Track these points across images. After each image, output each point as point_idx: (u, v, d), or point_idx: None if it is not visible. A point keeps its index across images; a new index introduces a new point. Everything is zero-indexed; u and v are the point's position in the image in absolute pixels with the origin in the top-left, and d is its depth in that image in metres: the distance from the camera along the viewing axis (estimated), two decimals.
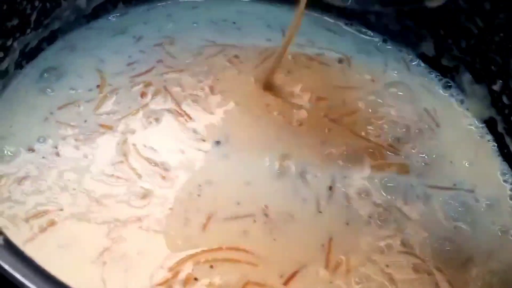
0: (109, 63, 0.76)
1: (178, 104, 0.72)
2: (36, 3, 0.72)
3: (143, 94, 0.73)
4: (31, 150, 0.66)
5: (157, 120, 0.71)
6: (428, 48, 0.82)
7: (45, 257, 0.49)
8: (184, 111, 0.72)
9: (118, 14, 0.83)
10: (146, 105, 0.72)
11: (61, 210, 0.61)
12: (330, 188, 0.67)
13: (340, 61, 0.81)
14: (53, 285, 0.43)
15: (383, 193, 0.68)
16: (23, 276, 0.43)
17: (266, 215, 0.64)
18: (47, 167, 0.65)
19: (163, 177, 0.66)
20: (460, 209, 0.68)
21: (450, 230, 0.66)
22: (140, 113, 0.71)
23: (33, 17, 0.73)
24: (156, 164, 0.66)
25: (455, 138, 0.75)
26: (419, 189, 0.69)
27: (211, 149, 0.69)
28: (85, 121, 0.69)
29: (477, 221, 0.67)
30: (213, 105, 0.73)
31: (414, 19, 0.81)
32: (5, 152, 0.65)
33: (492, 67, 0.74)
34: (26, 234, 0.59)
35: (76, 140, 0.68)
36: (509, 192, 0.71)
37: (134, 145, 0.68)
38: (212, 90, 0.75)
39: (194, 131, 0.70)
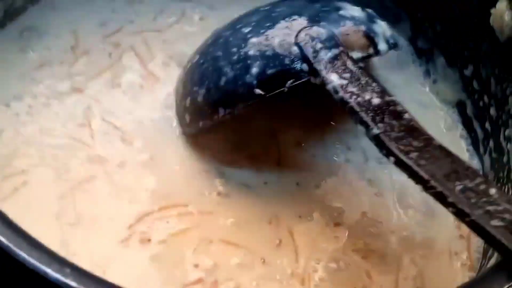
0: (84, 23, 0.77)
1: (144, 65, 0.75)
2: None
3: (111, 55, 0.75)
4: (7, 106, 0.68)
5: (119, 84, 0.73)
6: (405, 29, 0.83)
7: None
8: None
9: None
10: (112, 65, 0.74)
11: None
12: None
13: None
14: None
15: None
16: None
17: None
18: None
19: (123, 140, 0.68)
20: None
21: None
22: (108, 74, 0.73)
23: None
24: (116, 128, 0.69)
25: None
26: None
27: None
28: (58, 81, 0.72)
29: None
30: None
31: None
32: None
33: (465, 52, 0.76)
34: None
35: (47, 99, 0.70)
36: None
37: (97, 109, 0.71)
38: None
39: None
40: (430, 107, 0.80)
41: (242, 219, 0.66)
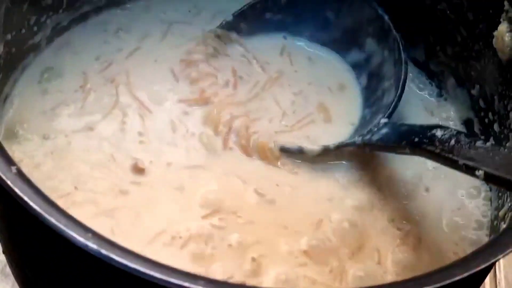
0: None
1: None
2: None
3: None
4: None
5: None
6: (420, 54, 0.89)
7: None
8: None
9: None
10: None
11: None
12: None
13: None
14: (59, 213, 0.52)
15: None
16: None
17: None
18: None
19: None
20: None
21: None
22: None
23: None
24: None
25: None
26: None
27: None
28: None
29: None
30: None
31: (408, 27, 0.88)
32: None
33: (472, 72, 0.82)
34: None
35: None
36: None
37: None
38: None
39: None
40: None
41: None
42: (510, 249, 0.53)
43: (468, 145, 0.64)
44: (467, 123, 0.84)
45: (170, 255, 0.66)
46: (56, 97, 0.79)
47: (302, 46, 0.90)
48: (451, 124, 0.85)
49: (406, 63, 0.81)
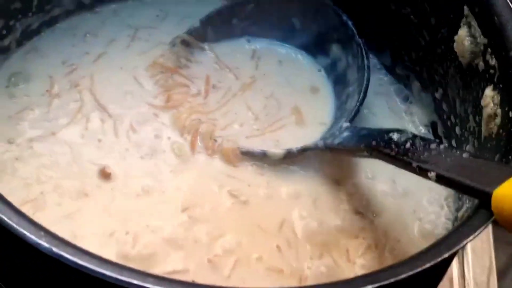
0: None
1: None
2: None
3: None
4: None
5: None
6: (386, 58, 0.91)
7: None
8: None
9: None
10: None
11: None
12: None
13: None
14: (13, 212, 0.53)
15: None
16: None
17: None
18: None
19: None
20: None
21: None
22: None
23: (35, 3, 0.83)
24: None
25: None
26: None
27: None
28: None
29: None
30: None
31: (374, 32, 0.90)
32: None
33: (436, 76, 0.83)
34: None
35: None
36: None
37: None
38: None
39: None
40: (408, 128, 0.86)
41: None
42: (457, 247, 0.54)
43: (422, 147, 0.65)
44: (432, 125, 0.85)
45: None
46: (22, 101, 0.80)
47: (272, 49, 0.91)
48: (419, 127, 0.86)
49: (368, 68, 0.83)
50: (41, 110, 0.79)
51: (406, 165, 0.66)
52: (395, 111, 0.88)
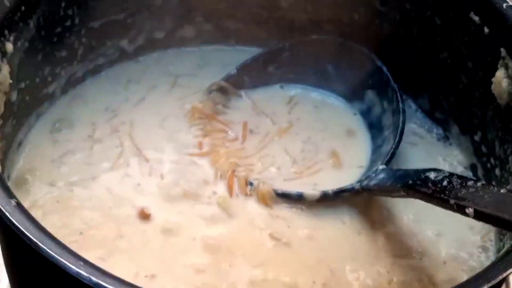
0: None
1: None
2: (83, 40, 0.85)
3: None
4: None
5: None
6: (424, 103, 0.91)
7: None
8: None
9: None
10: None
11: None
12: None
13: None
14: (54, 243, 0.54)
15: None
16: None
17: None
18: None
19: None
20: None
21: None
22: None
23: (80, 51, 0.86)
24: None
25: None
26: None
27: None
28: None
29: None
30: None
31: (411, 77, 0.90)
32: None
33: (474, 120, 0.83)
34: None
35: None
36: None
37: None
38: None
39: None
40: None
41: None
42: (496, 279, 0.53)
43: (459, 185, 0.65)
44: (472, 168, 0.85)
45: None
46: (65, 146, 0.82)
47: (307, 94, 0.92)
48: (458, 169, 0.86)
49: (404, 111, 0.83)
50: (83, 154, 0.81)
51: (443, 203, 0.66)
52: (433, 154, 0.88)
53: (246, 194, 0.79)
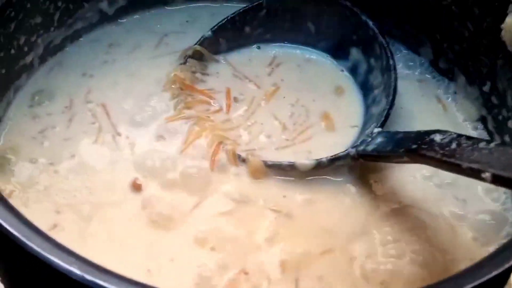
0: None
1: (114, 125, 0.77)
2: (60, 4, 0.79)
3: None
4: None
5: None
6: (427, 52, 0.86)
7: None
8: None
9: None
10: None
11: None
12: None
13: None
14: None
15: None
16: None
17: None
18: None
19: None
20: None
21: None
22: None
23: (56, 16, 0.80)
24: None
25: None
26: None
27: None
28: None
29: None
30: None
31: (413, 25, 0.85)
32: None
33: (482, 69, 0.78)
34: None
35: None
36: None
37: None
38: None
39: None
40: (454, 124, 0.81)
41: None
42: None
43: (470, 147, 0.60)
44: (482, 120, 0.80)
45: None
46: (45, 120, 0.77)
47: (289, 53, 0.87)
48: (465, 123, 0.81)
49: (394, 69, 0.78)
50: (61, 128, 0.76)
51: (455, 168, 0.60)
52: (437, 109, 0.83)
53: (237, 166, 0.74)
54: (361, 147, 0.73)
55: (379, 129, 0.74)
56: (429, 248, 0.69)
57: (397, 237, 0.69)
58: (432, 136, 0.64)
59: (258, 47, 0.87)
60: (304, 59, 0.86)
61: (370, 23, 0.81)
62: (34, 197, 0.69)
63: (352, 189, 0.73)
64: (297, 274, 0.66)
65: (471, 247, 0.69)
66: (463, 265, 0.66)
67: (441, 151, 0.62)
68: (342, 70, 0.85)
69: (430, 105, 0.83)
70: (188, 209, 0.70)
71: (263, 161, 0.74)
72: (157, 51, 0.85)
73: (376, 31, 0.81)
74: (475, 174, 0.58)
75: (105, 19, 0.86)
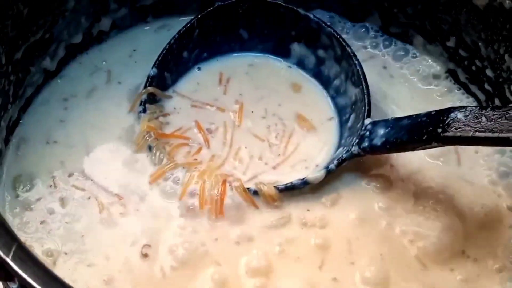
0: None
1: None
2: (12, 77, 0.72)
3: None
4: None
5: None
6: (375, 20, 0.86)
7: None
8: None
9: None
10: None
11: None
12: None
13: None
14: None
15: None
16: None
17: None
18: None
19: None
20: None
21: None
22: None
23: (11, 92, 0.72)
24: None
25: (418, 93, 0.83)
26: None
27: None
28: None
29: None
30: None
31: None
32: None
33: (443, 26, 0.80)
34: None
35: None
36: None
37: None
38: None
39: None
40: (418, 81, 0.83)
41: None
42: None
43: (504, 117, 0.59)
44: (451, 74, 0.82)
45: None
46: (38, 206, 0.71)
47: (230, 64, 0.84)
48: (430, 80, 0.83)
49: (355, 55, 0.77)
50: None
51: (498, 142, 0.59)
52: (395, 77, 0.84)
53: (254, 204, 0.72)
54: (365, 143, 0.72)
55: (370, 120, 0.73)
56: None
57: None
58: (452, 115, 0.63)
59: (199, 69, 0.83)
60: (248, 65, 0.84)
61: (311, 15, 0.80)
62: None
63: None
64: None
65: None
66: None
67: (474, 128, 0.61)
68: (290, 66, 0.84)
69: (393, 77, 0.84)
70: None
71: (275, 187, 0.72)
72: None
73: (321, 22, 0.79)
74: None
75: (49, 76, 0.79)
